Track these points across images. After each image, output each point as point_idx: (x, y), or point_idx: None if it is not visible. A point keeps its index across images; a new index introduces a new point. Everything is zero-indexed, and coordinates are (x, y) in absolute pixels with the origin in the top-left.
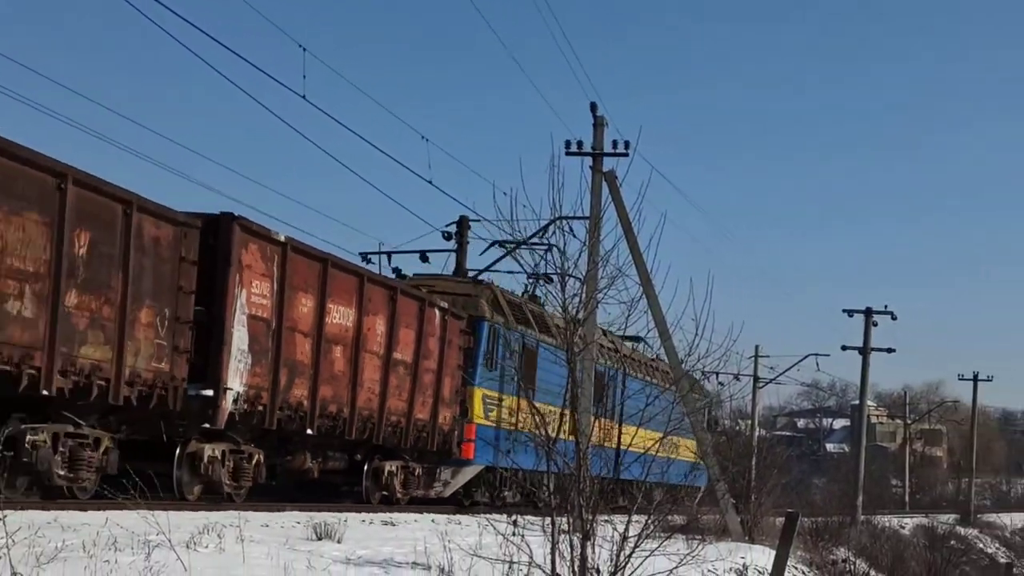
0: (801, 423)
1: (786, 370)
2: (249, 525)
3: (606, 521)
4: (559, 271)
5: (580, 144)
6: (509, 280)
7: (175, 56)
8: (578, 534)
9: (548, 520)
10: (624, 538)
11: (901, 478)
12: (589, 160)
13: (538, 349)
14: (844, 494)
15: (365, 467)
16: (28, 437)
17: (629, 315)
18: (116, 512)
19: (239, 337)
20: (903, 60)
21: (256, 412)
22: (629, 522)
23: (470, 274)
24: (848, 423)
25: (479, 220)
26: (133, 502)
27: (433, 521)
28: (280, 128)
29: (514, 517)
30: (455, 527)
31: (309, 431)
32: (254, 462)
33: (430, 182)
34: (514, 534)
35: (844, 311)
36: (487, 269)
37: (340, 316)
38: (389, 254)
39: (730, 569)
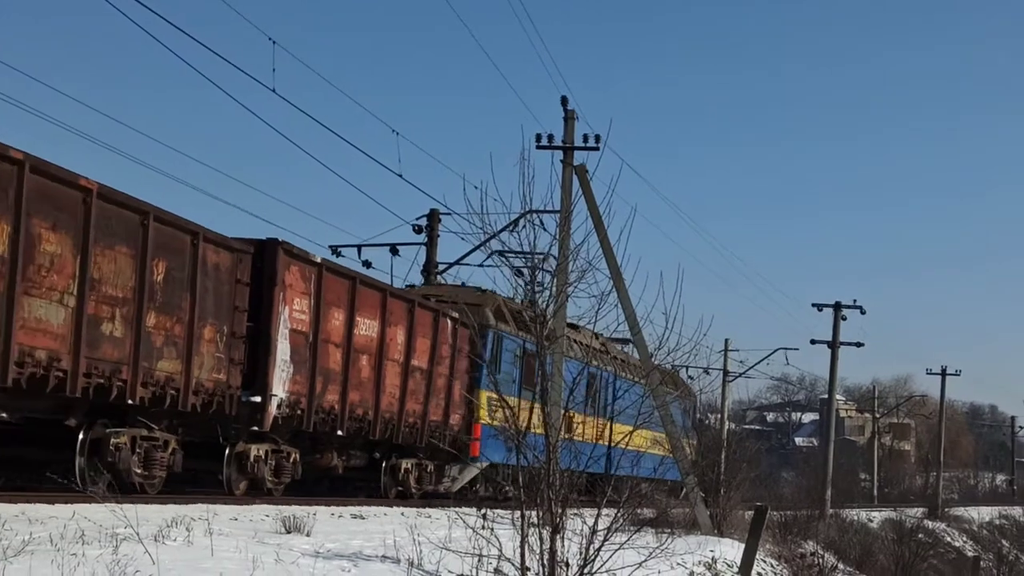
0: (770, 417)
1: (755, 364)
2: (218, 518)
3: (576, 514)
4: (529, 265)
5: (551, 138)
6: (480, 274)
7: (144, 48)
8: (548, 527)
9: (518, 513)
10: (593, 531)
11: (869, 472)
12: (560, 154)
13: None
14: (813, 488)
15: (384, 464)
16: (112, 440)
17: (599, 309)
18: (83, 505)
19: (282, 349)
20: (876, 48)
21: (295, 416)
22: (599, 515)
23: (440, 267)
24: (817, 417)
25: (449, 214)
26: (100, 495)
27: (403, 515)
28: (250, 121)
29: (483, 511)
30: (425, 520)
31: (339, 432)
32: (292, 460)
33: (400, 175)
34: (483, 527)
35: (813, 305)
36: (458, 262)
37: (366, 328)
38: (359, 247)
39: (699, 562)
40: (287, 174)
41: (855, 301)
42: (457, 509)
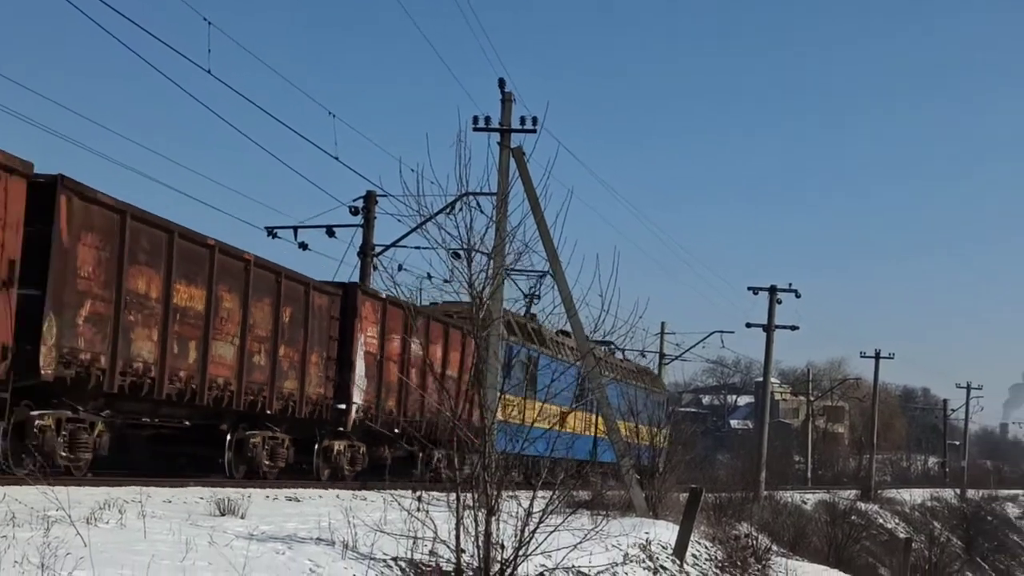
0: (706, 400)
1: (692, 347)
2: (151, 501)
3: (512, 497)
4: (466, 246)
5: (488, 120)
6: (417, 257)
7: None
8: (483, 510)
9: (453, 496)
10: (528, 513)
11: (804, 454)
12: (497, 136)
13: (538, 359)
14: (747, 470)
15: (420, 455)
16: (251, 440)
17: (535, 290)
18: (15, 488)
19: (360, 367)
20: (829, 37)
21: (367, 419)
22: (534, 498)
23: (376, 249)
24: (752, 400)
25: (386, 196)
26: (32, 477)
27: (338, 497)
28: (187, 102)
29: (419, 493)
30: (360, 503)
31: (396, 430)
32: (361, 452)
33: (336, 158)
34: (419, 510)
35: (749, 289)
36: (394, 244)
37: (415, 347)
38: (295, 228)
39: (634, 544)
40: (224, 155)
41: (790, 285)
42: (392, 492)
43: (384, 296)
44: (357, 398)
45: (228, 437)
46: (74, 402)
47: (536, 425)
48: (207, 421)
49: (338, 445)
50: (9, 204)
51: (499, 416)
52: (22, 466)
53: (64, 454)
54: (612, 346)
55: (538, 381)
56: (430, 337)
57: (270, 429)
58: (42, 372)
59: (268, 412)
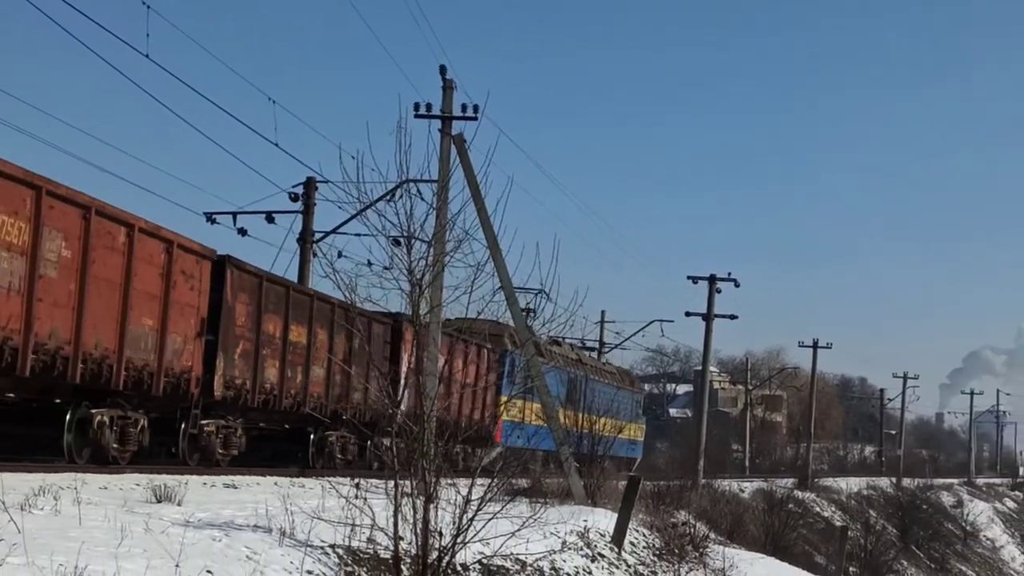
0: (645, 388)
1: (631, 335)
2: (87, 487)
3: (451, 484)
4: (406, 234)
5: (429, 107)
6: (356, 244)
7: (14, 9)
8: (421, 497)
9: (392, 483)
10: (467, 501)
11: (742, 443)
12: (438, 123)
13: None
14: (686, 458)
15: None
16: (329, 440)
17: (475, 279)
18: None
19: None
20: (766, 28)
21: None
22: (472, 485)
23: (316, 235)
24: (691, 388)
25: (326, 182)
26: None
27: (276, 484)
28: (125, 86)
29: (356, 480)
30: (298, 490)
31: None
32: (386, 446)
33: (276, 144)
34: (357, 497)
35: (689, 278)
36: (334, 231)
37: (445, 363)
38: (234, 214)
39: (572, 532)
40: (162, 140)
41: (729, 274)
42: (330, 479)
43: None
44: (404, 405)
45: (312, 437)
46: (228, 414)
47: (533, 423)
48: (299, 426)
49: (387, 441)
50: (202, 279)
51: (505, 417)
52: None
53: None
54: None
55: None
56: (454, 353)
57: (339, 431)
58: (215, 393)
59: (344, 418)
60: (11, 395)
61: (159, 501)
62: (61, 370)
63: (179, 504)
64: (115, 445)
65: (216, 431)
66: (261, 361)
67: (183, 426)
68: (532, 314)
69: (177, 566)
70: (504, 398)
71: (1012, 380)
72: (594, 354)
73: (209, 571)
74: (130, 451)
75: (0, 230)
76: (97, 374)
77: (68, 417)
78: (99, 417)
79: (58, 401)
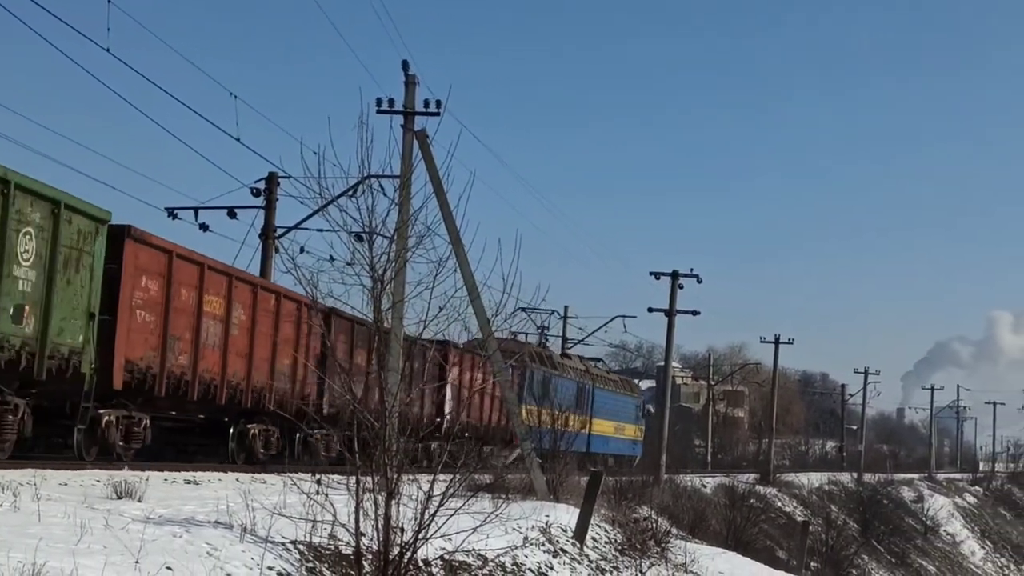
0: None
1: (594, 331)
2: (47, 484)
3: (413, 480)
4: (368, 229)
5: (391, 102)
6: (318, 239)
7: None
8: (383, 493)
9: (354, 479)
10: (428, 497)
11: (704, 438)
12: (401, 119)
13: (552, 379)
14: (648, 453)
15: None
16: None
17: (437, 274)
18: None
19: (450, 394)
20: (735, 22)
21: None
22: (434, 481)
23: (278, 231)
24: (654, 384)
25: (288, 178)
26: None
27: (238, 480)
28: (85, 80)
29: (318, 476)
30: (259, 486)
31: (466, 434)
32: (433, 448)
33: (238, 139)
34: (318, 493)
35: (651, 274)
36: (296, 227)
37: (481, 378)
38: (196, 209)
39: (534, 527)
40: (123, 135)
41: (692, 270)
42: (292, 475)
43: (461, 345)
44: (450, 414)
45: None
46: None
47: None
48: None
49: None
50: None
51: (525, 421)
52: None
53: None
54: (601, 361)
55: (550, 394)
56: (484, 370)
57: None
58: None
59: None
60: None
61: (120, 497)
62: None
63: (140, 500)
64: None
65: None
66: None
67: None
68: (546, 333)
69: (137, 563)
70: (527, 408)
71: (976, 372)
72: (594, 362)
73: (169, 567)
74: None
75: (211, 306)
76: None
77: None
78: None
79: None
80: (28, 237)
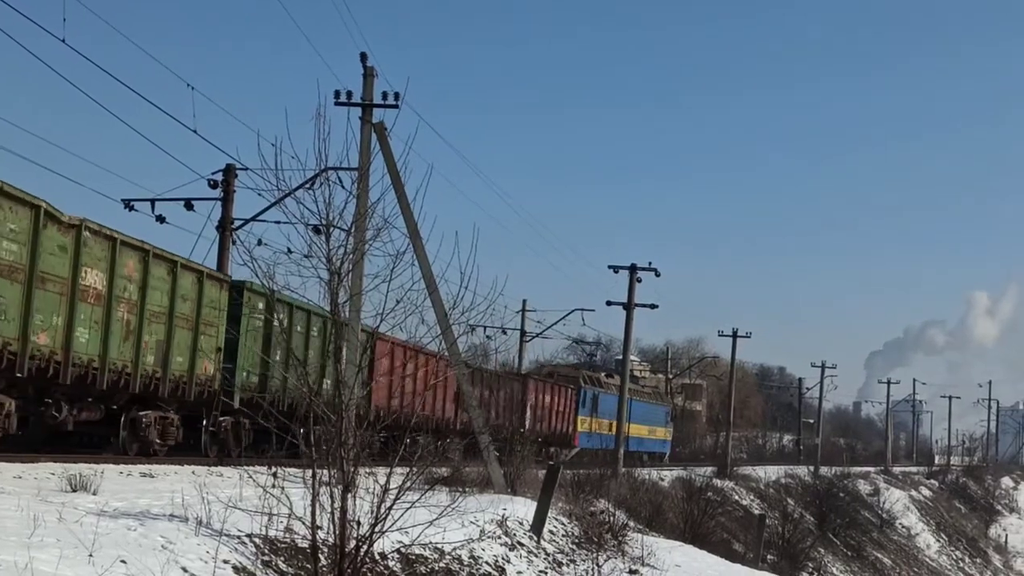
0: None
1: (552, 324)
2: (1, 477)
3: (370, 473)
4: (325, 222)
5: (350, 95)
6: (275, 232)
7: None
8: (339, 486)
9: (310, 472)
10: (385, 490)
11: None
12: (359, 111)
13: (599, 395)
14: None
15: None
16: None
17: (395, 267)
18: None
19: (534, 406)
20: (689, 17)
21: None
22: (391, 474)
23: (236, 223)
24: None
25: (245, 169)
26: None
27: (194, 473)
28: (41, 71)
29: (274, 469)
30: (216, 479)
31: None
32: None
33: (195, 131)
34: (274, 486)
35: (610, 267)
36: (253, 219)
37: (548, 399)
38: (153, 201)
39: (491, 520)
40: (79, 125)
41: (650, 263)
42: (247, 468)
43: (538, 377)
44: (533, 425)
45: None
46: None
47: (596, 432)
48: None
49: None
50: None
51: (581, 429)
52: None
53: None
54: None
55: (598, 407)
56: (554, 392)
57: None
58: None
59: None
60: None
61: (74, 490)
62: None
63: (94, 493)
64: None
65: None
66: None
67: None
68: (595, 357)
69: (91, 556)
70: (580, 418)
71: (946, 358)
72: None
73: (123, 560)
74: None
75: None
76: None
77: None
78: None
79: None
80: None
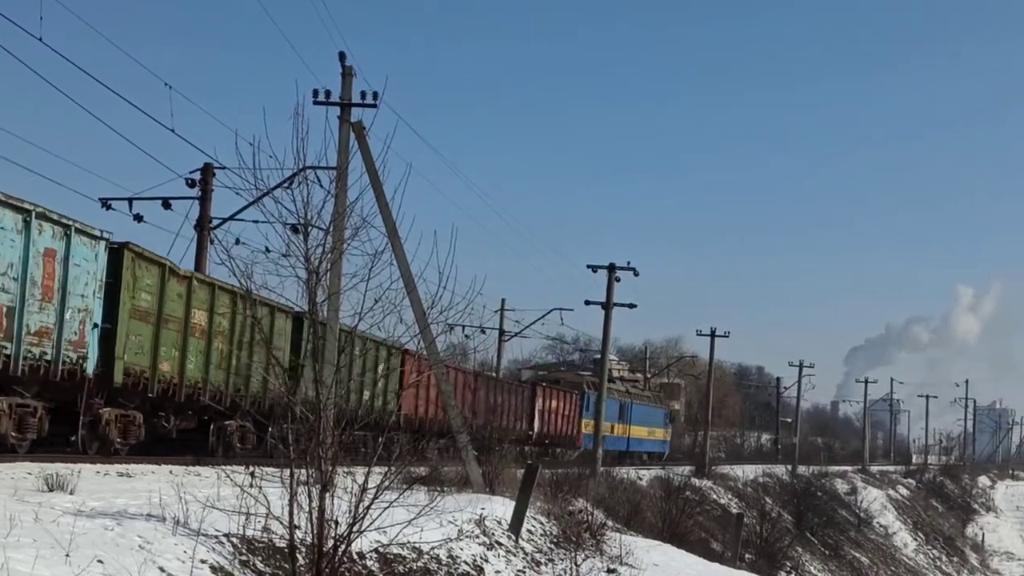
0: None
1: (531, 324)
2: None
3: (348, 473)
4: (303, 221)
5: (328, 94)
6: (253, 231)
7: None
8: (317, 485)
9: (288, 471)
10: (363, 489)
11: None
12: (337, 110)
13: (604, 400)
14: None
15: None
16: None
17: (373, 266)
18: None
19: (542, 410)
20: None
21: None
22: (369, 473)
23: (214, 222)
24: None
25: (223, 168)
26: None
27: (171, 472)
28: (17, 68)
29: (251, 469)
30: (193, 479)
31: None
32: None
33: (172, 130)
34: (252, 486)
35: (588, 267)
36: (231, 218)
37: (555, 403)
38: (130, 200)
39: (469, 520)
40: (56, 124)
41: (629, 263)
42: (225, 467)
43: (543, 386)
44: (535, 426)
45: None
46: None
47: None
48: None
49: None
50: None
51: (585, 431)
52: None
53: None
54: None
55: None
56: (563, 398)
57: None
58: None
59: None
60: None
61: (51, 490)
62: None
63: (71, 493)
64: None
65: None
66: None
67: None
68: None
69: (67, 556)
70: (584, 420)
71: (928, 355)
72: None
73: (100, 560)
74: None
75: None
76: None
77: None
78: None
79: None
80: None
